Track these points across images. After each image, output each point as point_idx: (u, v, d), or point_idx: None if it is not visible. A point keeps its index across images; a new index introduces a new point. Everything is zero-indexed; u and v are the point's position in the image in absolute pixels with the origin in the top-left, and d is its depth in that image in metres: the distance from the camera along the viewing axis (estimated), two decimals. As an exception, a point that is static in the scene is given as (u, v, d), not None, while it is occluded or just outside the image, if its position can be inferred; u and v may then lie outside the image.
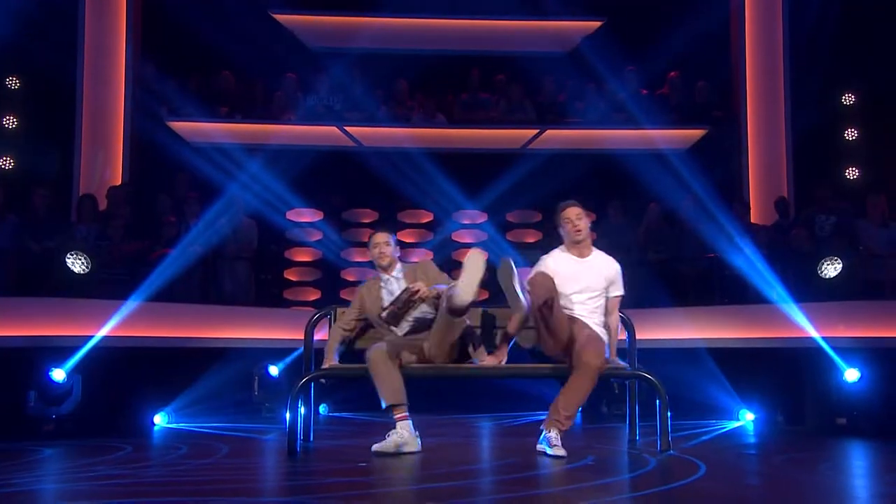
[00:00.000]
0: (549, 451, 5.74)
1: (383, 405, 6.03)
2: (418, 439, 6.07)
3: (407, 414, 6.05)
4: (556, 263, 6.27)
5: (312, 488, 4.94)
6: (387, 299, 6.43)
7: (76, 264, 8.63)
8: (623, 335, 6.76)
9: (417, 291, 6.24)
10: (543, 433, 5.91)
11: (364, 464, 5.65)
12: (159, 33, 11.81)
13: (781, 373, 9.03)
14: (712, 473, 5.17)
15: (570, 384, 5.87)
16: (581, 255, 6.33)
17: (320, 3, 12.48)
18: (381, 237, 6.52)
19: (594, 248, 6.42)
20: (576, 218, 6.26)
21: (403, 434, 5.99)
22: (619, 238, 11.09)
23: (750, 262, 9.46)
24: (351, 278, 11.90)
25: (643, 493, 4.62)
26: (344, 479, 5.16)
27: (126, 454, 6.34)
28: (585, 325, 6.15)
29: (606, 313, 6.35)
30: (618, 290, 6.38)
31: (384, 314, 6.29)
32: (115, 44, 11.50)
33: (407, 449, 5.97)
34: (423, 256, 6.74)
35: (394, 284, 6.46)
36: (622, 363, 6.45)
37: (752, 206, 11.55)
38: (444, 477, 5.23)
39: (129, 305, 8.52)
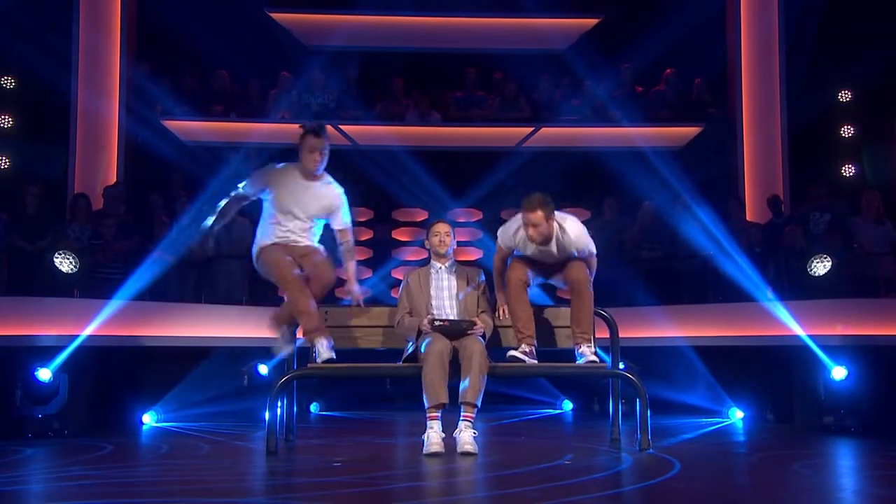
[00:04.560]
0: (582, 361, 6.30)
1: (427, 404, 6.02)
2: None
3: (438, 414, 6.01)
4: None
5: (280, 488, 4.95)
6: (435, 289, 6.53)
7: (64, 264, 8.65)
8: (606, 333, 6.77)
9: (475, 325, 6.33)
10: (577, 350, 6.36)
11: (339, 463, 5.65)
12: (153, 33, 11.80)
13: (771, 371, 9.02)
14: (685, 472, 5.15)
15: (574, 305, 6.40)
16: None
17: (316, 1, 12.49)
18: (444, 227, 6.67)
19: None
20: (532, 225, 6.28)
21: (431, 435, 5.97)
22: (613, 236, 11.10)
23: (740, 261, 9.43)
24: (346, 277, 11.87)
25: (607, 493, 4.60)
26: (315, 479, 5.17)
27: (106, 454, 6.36)
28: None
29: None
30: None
31: (436, 323, 6.27)
32: (109, 43, 11.49)
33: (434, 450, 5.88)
34: (475, 269, 6.88)
35: (444, 276, 6.59)
36: (604, 358, 6.47)
37: (747, 203, 11.50)
38: (415, 476, 5.24)
39: (115, 304, 8.52)
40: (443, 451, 5.85)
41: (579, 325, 6.35)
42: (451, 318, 6.43)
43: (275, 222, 6.41)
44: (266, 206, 6.50)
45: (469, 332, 6.25)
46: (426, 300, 6.51)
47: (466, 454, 5.79)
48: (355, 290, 6.64)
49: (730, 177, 11.98)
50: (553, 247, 6.38)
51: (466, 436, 5.89)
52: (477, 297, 6.59)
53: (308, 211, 6.41)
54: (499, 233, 6.59)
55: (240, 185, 6.55)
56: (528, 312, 6.39)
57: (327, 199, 6.50)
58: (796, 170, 11.65)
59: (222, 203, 6.61)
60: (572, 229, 6.42)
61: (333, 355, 6.12)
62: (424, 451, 5.87)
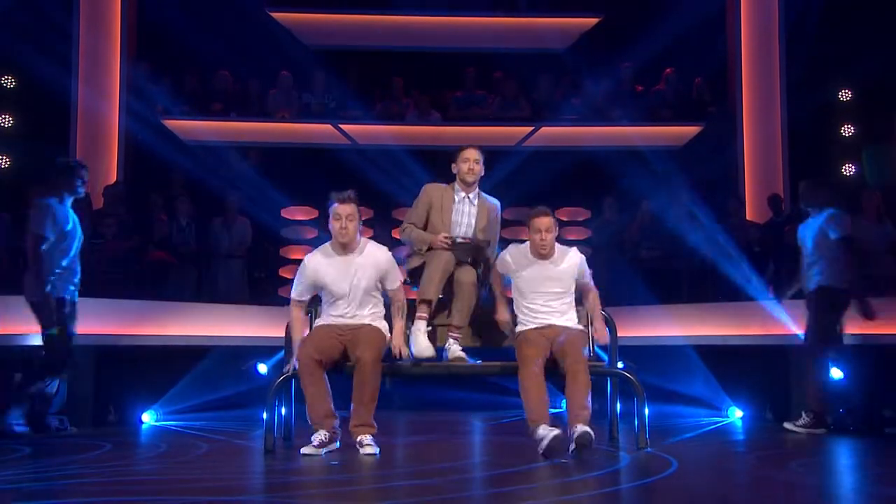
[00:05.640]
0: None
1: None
2: None
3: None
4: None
5: (277, 487, 4.95)
6: (456, 215, 6.56)
7: (63, 263, 8.63)
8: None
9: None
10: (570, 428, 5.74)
11: (336, 462, 5.65)
12: (153, 32, 11.82)
13: (770, 370, 9.01)
14: (683, 471, 5.14)
15: (569, 388, 5.98)
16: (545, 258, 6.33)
17: (317, 1, 12.50)
18: (474, 154, 6.60)
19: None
20: (545, 230, 6.21)
21: None
22: (613, 235, 11.11)
23: (740, 261, 9.42)
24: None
25: (604, 490, 4.60)
26: (313, 477, 5.17)
27: (103, 452, 6.35)
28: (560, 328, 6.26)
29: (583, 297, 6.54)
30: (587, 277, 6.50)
31: (458, 240, 6.44)
32: (109, 42, 11.53)
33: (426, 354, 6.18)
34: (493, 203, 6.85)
35: (467, 205, 6.60)
36: (602, 357, 6.49)
37: (747, 202, 11.50)
38: (412, 475, 5.24)
39: (115, 303, 8.53)
40: (433, 354, 6.18)
41: (575, 406, 5.84)
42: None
43: (325, 304, 6.29)
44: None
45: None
46: (447, 223, 6.55)
47: (456, 359, 6.26)
48: (396, 345, 6.14)
49: (729, 176, 11.98)
50: (553, 264, 6.26)
51: (455, 349, 6.30)
52: (493, 233, 6.72)
53: (351, 287, 6.13)
54: (496, 263, 6.48)
55: (293, 293, 6.30)
56: (542, 394, 6.05)
57: (369, 268, 6.15)
58: (796, 169, 11.64)
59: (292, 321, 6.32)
60: (574, 252, 6.40)
61: (316, 452, 5.82)
62: (414, 354, 6.14)
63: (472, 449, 6.77)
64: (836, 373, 7.94)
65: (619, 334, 6.72)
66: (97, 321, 8.36)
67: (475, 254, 6.52)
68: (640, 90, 12.41)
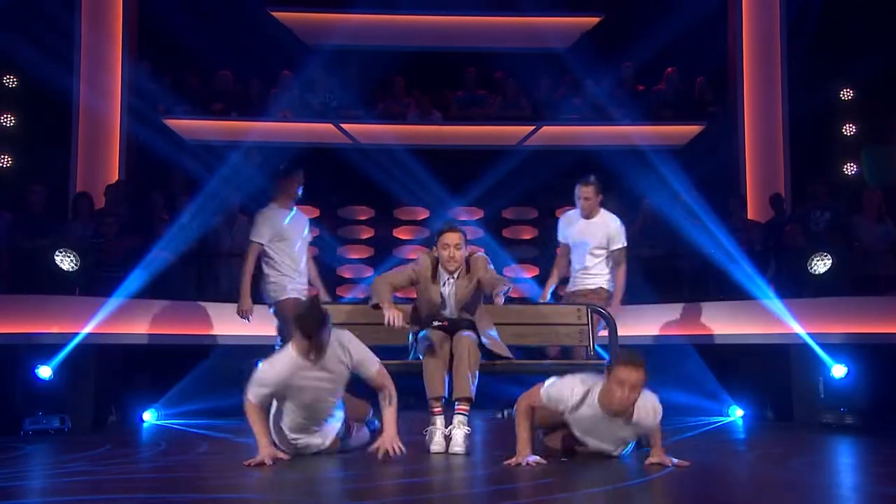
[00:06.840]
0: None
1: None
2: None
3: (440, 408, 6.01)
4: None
5: (276, 484, 4.95)
6: (443, 294, 6.28)
7: (64, 262, 8.65)
8: (605, 332, 6.79)
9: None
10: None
11: (335, 459, 5.66)
12: (154, 32, 11.82)
13: (770, 369, 9.01)
14: (682, 470, 5.14)
15: None
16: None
17: (318, 1, 12.50)
18: (454, 238, 6.15)
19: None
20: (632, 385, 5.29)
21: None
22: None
23: (741, 260, 9.42)
24: (347, 275, 11.95)
25: (603, 488, 4.61)
26: (312, 475, 5.17)
27: (104, 451, 6.36)
28: None
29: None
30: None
31: (435, 324, 6.20)
32: (110, 42, 11.51)
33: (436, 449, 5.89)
34: (475, 250, 6.55)
35: (452, 286, 6.25)
36: (602, 356, 6.49)
37: (749, 202, 11.49)
38: (412, 472, 5.24)
39: (115, 302, 8.54)
40: (444, 451, 5.88)
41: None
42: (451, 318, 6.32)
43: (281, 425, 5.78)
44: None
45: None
46: (431, 306, 6.28)
47: (456, 455, 5.81)
48: (388, 437, 5.62)
49: (731, 175, 11.97)
50: (621, 421, 5.39)
51: (459, 435, 5.87)
52: (479, 282, 6.21)
53: (316, 407, 5.68)
54: (547, 388, 5.45)
55: (249, 396, 5.59)
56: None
57: (337, 373, 5.63)
58: (798, 168, 11.65)
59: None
60: (649, 409, 5.37)
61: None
62: (430, 449, 5.91)
63: (471, 447, 6.76)
64: (838, 371, 7.95)
65: (619, 333, 6.73)
66: (98, 321, 8.37)
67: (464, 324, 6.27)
68: (641, 89, 12.41)
